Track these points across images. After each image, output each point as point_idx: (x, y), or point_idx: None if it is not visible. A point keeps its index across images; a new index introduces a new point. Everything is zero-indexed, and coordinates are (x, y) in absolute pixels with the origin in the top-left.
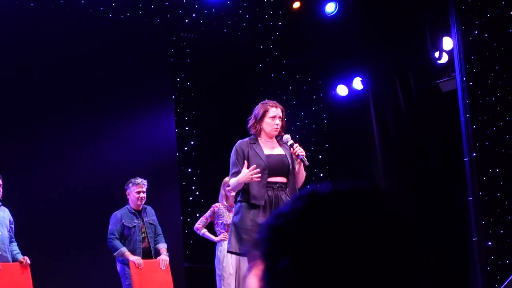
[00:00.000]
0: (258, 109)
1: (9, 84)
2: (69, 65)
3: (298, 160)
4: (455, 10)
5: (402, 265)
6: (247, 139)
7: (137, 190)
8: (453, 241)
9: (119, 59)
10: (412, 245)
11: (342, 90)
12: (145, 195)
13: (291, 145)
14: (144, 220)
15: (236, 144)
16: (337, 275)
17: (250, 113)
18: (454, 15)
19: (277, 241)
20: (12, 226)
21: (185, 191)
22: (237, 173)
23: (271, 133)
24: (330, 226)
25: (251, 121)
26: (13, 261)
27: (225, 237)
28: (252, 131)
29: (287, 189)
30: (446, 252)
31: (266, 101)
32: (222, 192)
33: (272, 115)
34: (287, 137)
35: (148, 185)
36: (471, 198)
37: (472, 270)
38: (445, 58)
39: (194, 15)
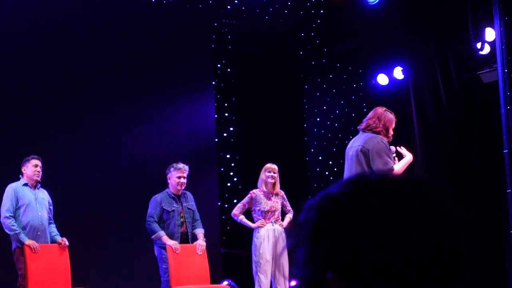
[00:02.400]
0: (388, 117)
1: (51, 68)
2: (111, 49)
3: None
4: (499, 1)
5: (447, 258)
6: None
7: (178, 175)
8: (489, 233)
9: (161, 44)
10: (458, 239)
11: (382, 79)
12: (185, 180)
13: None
14: (183, 205)
15: (381, 137)
16: (380, 260)
17: (290, 99)
18: (498, 6)
19: (323, 221)
20: (51, 207)
21: (223, 177)
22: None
23: (389, 140)
24: (377, 210)
25: (379, 126)
26: (51, 243)
27: (262, 224)
28: (375, 130)
29: None
30: (482, 243)
31: (389, 111)
32: (262, 176)
33: (394, 127)
34: (392, 149)
35: (188, 171)
36: (510, 191)
37: (509, 263)
38: (487, 49)
39: (236, 1)
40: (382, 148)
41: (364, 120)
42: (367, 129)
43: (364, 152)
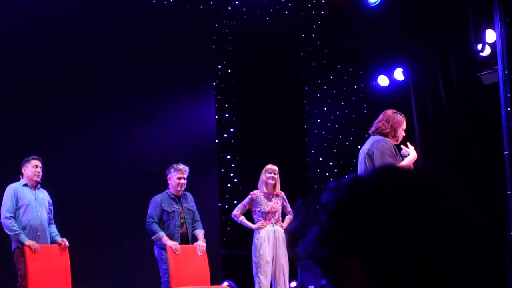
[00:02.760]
0: (396, 118)
1: (51, 68)
2: (112, 50)
3: None
4: (499, 2)
5: (470, 256)
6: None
7: (178, 176)
8: (489, 234)
9: (162, 45)
10: (473, 241)
11: (383, 80)
12: (185, 181)
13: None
14: (183, 205)
15: (387, 140)
16: (407, 251)
17: (290, 100)
18: (498, 7)
19: (353, 204)
20: (51, 208)
21: (224, 178)
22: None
23: (398, 141)
24: (410, 202)
25: (388, 128)
26: (51, 243)
27: (263, 225)
28: (384, 132)
29: None
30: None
31: (398, 112)
32: (262, 178)
33: (404, 128)
34: (405, 152)
35: (188, 172)
36: (510, 192)
37: (509, 264)
38: (487, 51)
39: (237, 2)
40: (385, 149)
41: (374, 123)
42: (376, 132)
43: (370, 155)
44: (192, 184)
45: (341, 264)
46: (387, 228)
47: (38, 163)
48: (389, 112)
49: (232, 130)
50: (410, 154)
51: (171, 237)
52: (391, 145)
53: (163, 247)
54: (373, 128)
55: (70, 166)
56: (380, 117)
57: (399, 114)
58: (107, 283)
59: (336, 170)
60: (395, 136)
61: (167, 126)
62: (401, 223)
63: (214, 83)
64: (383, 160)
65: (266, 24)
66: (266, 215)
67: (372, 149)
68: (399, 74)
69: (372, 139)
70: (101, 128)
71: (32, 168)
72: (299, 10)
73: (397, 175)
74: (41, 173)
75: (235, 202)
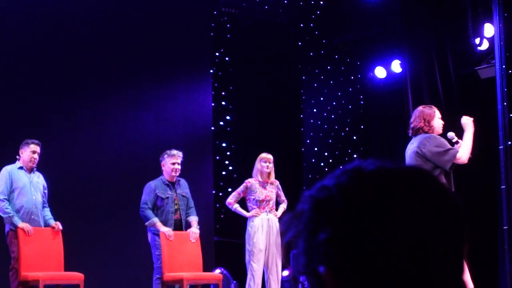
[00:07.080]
0: (427, 112)
1: (49, 53)
2: (110, 36)
3: None
4: None
5: (445, 246)
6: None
7: (172, 161)
8: (483, 229)
9: (160, 32)
10: (457, 227)
11: (380, 72)
12: (179, 166)
13: (456, 142)
14: (177, 192)
15: (432, 136)
16: (376, 251)
17: (287, 90)
18: (497, 1)
19: (319, 213)
20: (46, 191)
21: (219, 165)
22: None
23: (439, 131)
24: (373, 202)
25: (421, 122)
26: (45, 226)
27: (257, 213)
28: (426, 129)
29: None
30: (476, 239)
31: (428, 105)
32: (257, 166)
33: (440, 116)
34: (451, 134)
35: (183, 158)
36: (504, 187)
37: (501, 259)
38: (485, 45)
39: None
40: (441, 142)
41: (410, 125)
42: (414, 131)
43: (421, 155)
44: (187, 171)
45: (315, 272)
46: (351, 234)
47: (37, 148)
48: (419, 108)
49: (228, 118)
50: (467, 131)
51: (165, 223)
52: (439, 138)
53: (157, 233)
54: (410, 130)
55: (66, 150)
56: (412, 117)
57: (428, 107)
58: (100, 267)
59: (331, 160)
60: (430, 127)
61: (164, 113)
62: (364, 228)
63: (211, 71)
64: (440, 158)
65: (265, 13)
66: (260, 203)
67: (421, 148)
68: (396, 66)
69: (416, 139)
70: (98, 114)
71: (30, 153)
72: (298, 0)
73: (359, 178)
74: (37, 159)
75: (230, 190)
